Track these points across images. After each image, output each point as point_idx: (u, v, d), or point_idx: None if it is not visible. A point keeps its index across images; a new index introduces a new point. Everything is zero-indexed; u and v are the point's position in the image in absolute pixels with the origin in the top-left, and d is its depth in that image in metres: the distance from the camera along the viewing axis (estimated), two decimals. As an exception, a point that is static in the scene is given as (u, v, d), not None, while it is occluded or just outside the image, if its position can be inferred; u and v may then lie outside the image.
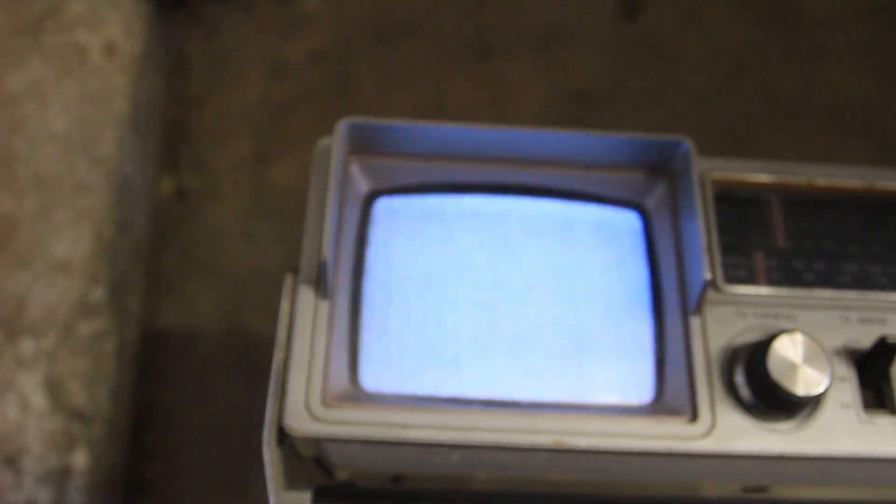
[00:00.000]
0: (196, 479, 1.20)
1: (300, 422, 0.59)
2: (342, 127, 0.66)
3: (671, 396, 0.63)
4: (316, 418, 0.59)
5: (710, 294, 0.66)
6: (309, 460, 0.65)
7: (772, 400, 0.60)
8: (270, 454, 0.59)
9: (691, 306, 0.65)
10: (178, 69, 1.45)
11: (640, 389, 0.65)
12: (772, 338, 0.60)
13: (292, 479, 0.60)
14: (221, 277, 1.29)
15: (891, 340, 0.62)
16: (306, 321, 0.63)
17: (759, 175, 0.71)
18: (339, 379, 0.62)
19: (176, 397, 1.23)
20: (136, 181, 1.30)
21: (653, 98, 1.45)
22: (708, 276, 0.62)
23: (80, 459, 1.06)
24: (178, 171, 1.38)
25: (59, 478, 1.04)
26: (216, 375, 1.24)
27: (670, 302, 0.66)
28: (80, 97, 1.26)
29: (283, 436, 0.62)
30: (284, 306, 0.64)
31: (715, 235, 0.68)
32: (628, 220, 0.70)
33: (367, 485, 0.64)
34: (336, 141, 0.65)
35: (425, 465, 0.61)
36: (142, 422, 1.22)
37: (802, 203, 0.71)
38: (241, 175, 1.37)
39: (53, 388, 1.07)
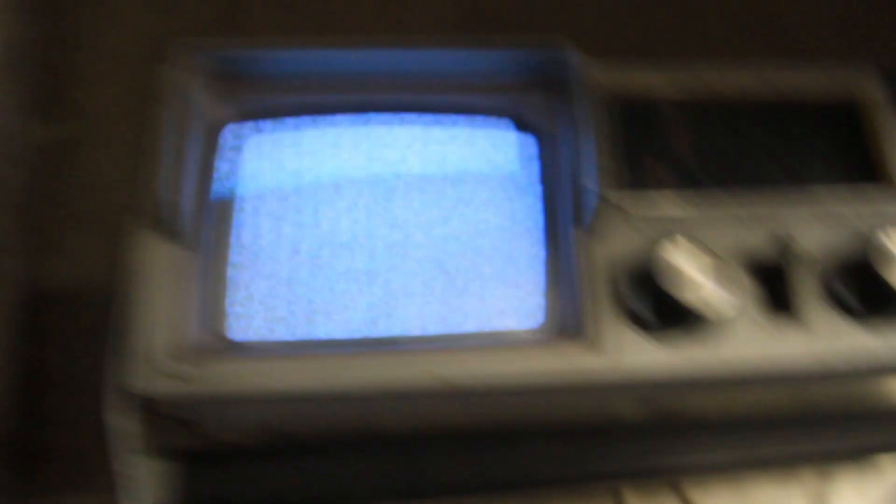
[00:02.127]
0: (97, 441, 1.13)
1: (149, 380, 0.53)
2: (186, 51, 0.58)
3: (562, 318, 0.59)
4: (169, 375, 0.53)
5: (604, 209, 0.61)
6: (170, 419, 0.59)
7: (664, 312, 0.56)
8: (114, 420, 0.53)
9: (584, 223, 0.60)
10: (50, 10, 1.33)
11: (531, 314, 0.60)
12: (657, 247, 0.56)
13: (149, 443, 0.54)
14: (108, 229, 1.20)
15: (786, 241, 0.58)
16: (153, 268, 0.56)
17: (653, 79, 0.66)
18: (199, 329, 0.56)
19: (67, 359, 1.15)
20: (5, 129, 1.19)
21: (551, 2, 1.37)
22: (600, 190, 0.57)
23: (-40, 432, 0.98)
24: (55, 118, 1.28)
25: (-61, 453, 0.96)
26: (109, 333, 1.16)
27: (563, 221, 0.61)
28: (-66, 40, 1.14)
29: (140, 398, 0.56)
30: (127, 255, 0.57)
31: (608, 147, 0.63)
32: (519, 139, 0.65)
33: (240, 442, 0.59)
34: (178, 66, 0.57)
35: (298, 418, 0.56)
36: (34, 387, 1.14)
37: (696, 107, 0.67)
38: (123, 119, 1.27)
39: (-75, 359, 0.99)
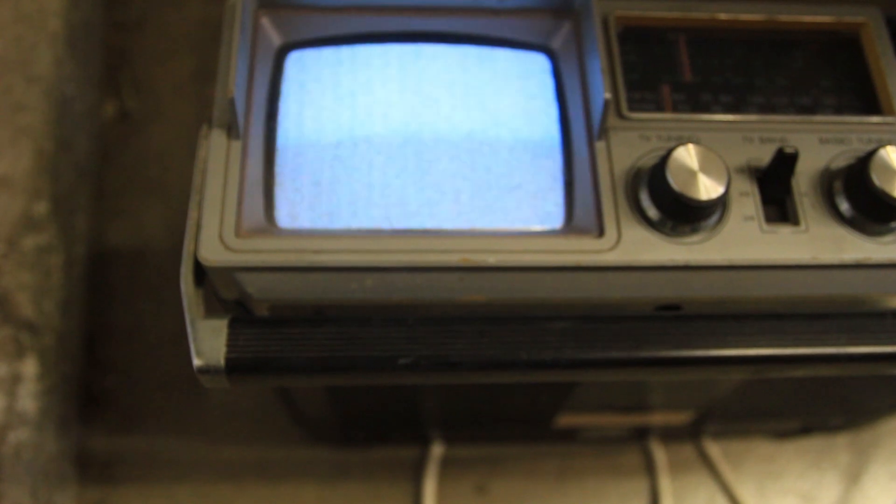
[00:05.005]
0: (153, 390, 1.21)
1: (214, 252, 0.61)
2: (248, -23, 0.66)
3: (579, 218, 0.65)
4: (230, 248, 0.61)
5: (616, 121, 0.67)
6: (231, 303, 0.66)
7: (674, 211, 0.62)
8: (187, 286, 0.60)
9: (595, 131, 0.66)
10: (117, -4, 1.44)
11: (551, 216, 0.66)
12: (669, 151, 0.62)
13: (211, 312, 0.61)
14: (168, 195, 1.30)
15: (788, 150, 0.64)
16: (219, 162, 0.64)
17: (663, 12, 0.73)
18: (254, 216, 0.63)
19: (129, 312, 1.24)
20: (75, 102, 1.29)
21: None
22: (608, 95, 0.64)
23: (29, 367, 1.07)
24: (121, 94, 1.38)
25: (10, 384, 1.05)
26: (167, 290, 1.24)
27: (578, 132, 0.68)
28: (14, 19, 1.25)
29: (203, 277, 0.63)
30: (199, 153, 0.65)
31: (619, 65, 0.70)
32: (537, 62, 0.71)
33: (288, 309, 0.66)
34: (243, -4, 0.65)
35: (339, 292, 0.62)
36: (95, 336, 1.23)
37: (707, 38, 0.73)
38: (184, 95, 1.37)
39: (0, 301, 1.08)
